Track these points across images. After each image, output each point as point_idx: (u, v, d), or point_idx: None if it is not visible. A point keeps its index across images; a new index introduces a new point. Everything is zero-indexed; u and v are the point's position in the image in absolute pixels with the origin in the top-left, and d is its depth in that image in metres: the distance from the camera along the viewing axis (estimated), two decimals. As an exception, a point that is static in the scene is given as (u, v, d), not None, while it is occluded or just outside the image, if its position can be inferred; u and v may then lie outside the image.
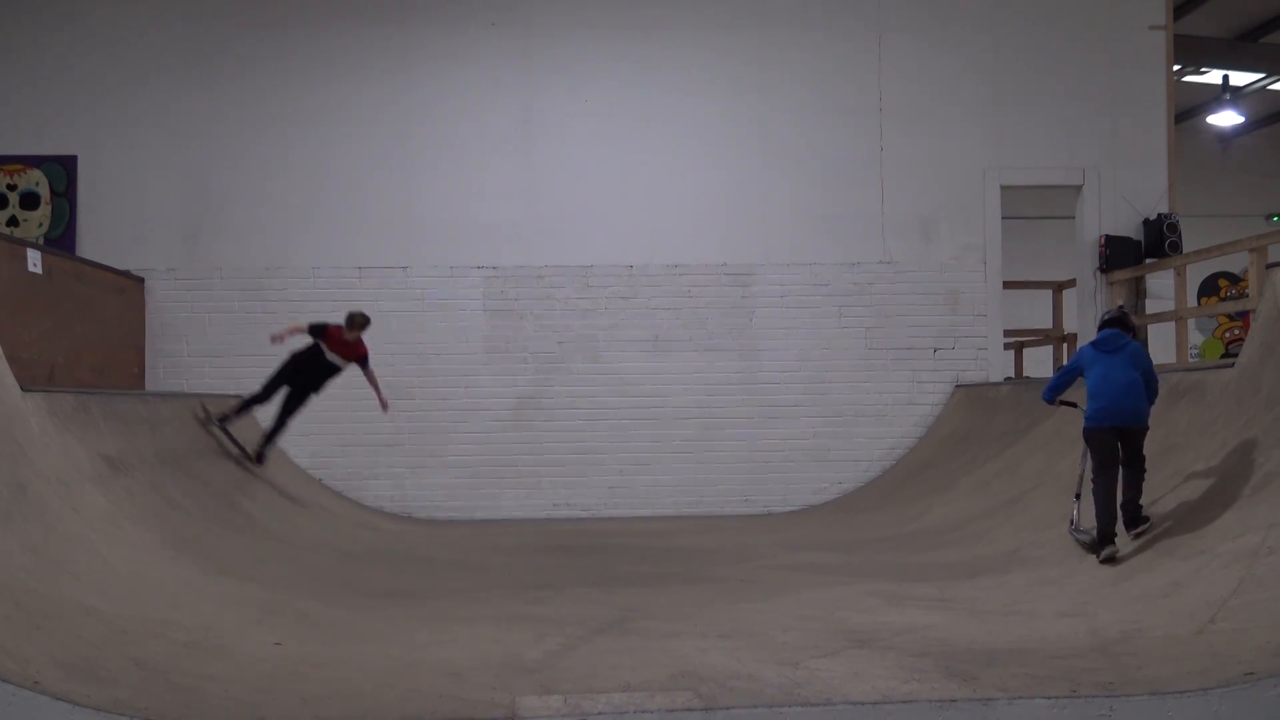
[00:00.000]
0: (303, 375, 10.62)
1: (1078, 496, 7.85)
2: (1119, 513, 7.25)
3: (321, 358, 10.53)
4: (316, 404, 12.72)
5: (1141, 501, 7.27)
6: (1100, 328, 7.82)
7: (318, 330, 10.50)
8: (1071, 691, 4.65)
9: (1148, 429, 7.43)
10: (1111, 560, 7.08)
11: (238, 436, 10.73)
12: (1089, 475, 7.58)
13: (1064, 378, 7.95)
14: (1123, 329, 7.66)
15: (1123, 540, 7.18)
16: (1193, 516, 6.82)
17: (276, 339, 10.46)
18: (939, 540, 9.35)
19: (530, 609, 6.89)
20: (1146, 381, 7.46)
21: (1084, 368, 7.63)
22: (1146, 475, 7.35)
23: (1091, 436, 7.50)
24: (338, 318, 10.37)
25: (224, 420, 10.56)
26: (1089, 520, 7.44)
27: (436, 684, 5.04)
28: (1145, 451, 7.38)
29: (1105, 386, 7.45)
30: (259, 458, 10.79)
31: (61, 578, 5.67)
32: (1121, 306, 8.07)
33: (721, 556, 9.33)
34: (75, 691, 4.45)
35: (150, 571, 6.61)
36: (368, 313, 10.64)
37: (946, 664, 5.20)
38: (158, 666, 5.06)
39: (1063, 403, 8.11)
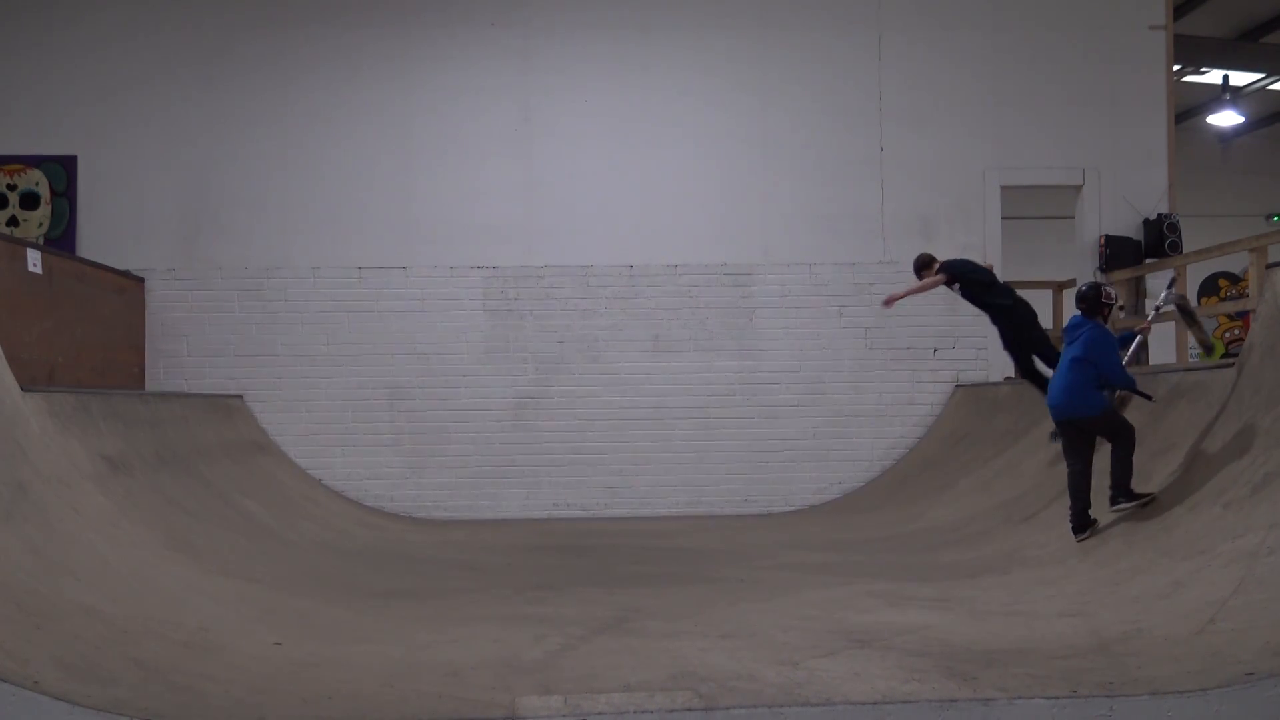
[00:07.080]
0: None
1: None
2: (1089, 500, 7.70)
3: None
4: (315, 402, 12.83)
5: (1132, 485, 7.45)
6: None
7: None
8: (1071, 691, 4.65)
9: (1100, 415, 7.67)
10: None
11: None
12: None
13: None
14: (1086, 310, 7.88)
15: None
16: (1193, 516, 6.83)
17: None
18: (939, 540, 9.35)
19: (530, 609, 6.89)
20: (1098, 369, 7.62)
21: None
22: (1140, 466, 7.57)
23: (1056, 424, 8.05)
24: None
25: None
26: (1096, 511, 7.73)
27: (436, 684, 5.04)
28: (1125, 431, 7.57)
29: (1053, 379, 8.08)
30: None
31: (61, 578, 5.67)
32: (1096, 283, 8.15)
33: (721, 556, 9.32)
34: (75, 691, 4.45)
35: (150, 571, 6.61)
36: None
37: (946, 664, 5.20)
38: (158, 666, 5.06)
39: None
